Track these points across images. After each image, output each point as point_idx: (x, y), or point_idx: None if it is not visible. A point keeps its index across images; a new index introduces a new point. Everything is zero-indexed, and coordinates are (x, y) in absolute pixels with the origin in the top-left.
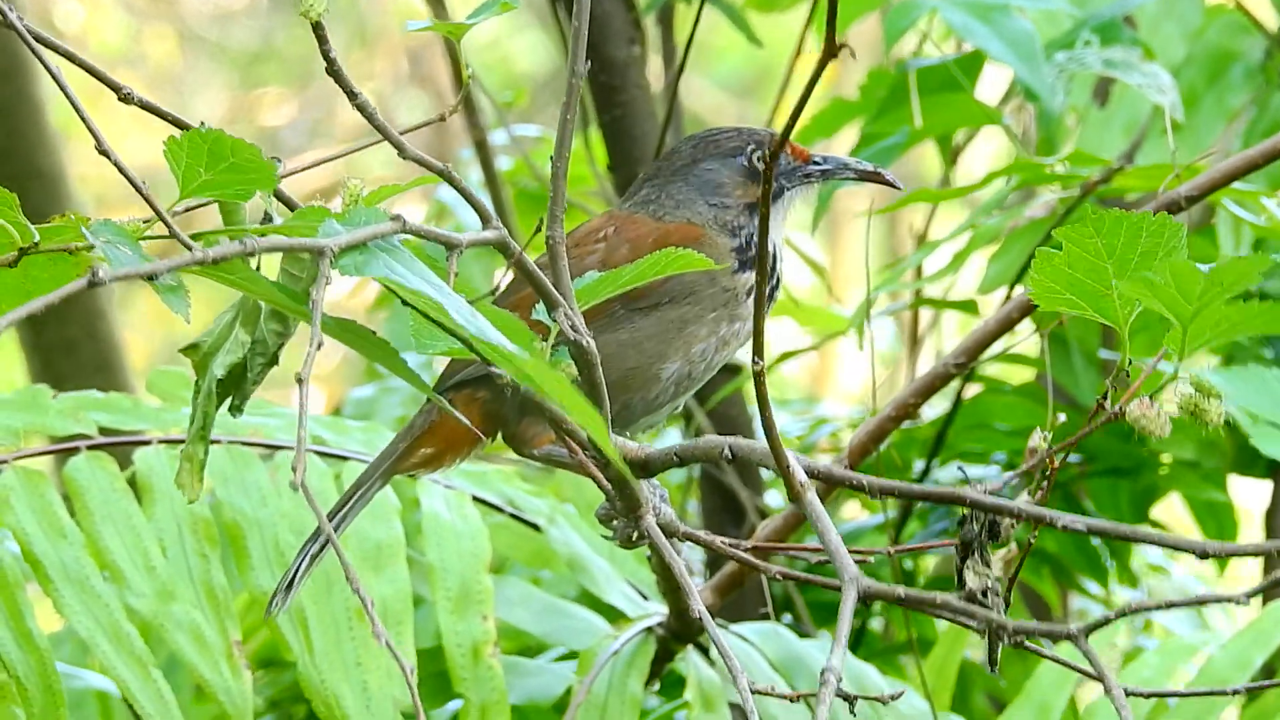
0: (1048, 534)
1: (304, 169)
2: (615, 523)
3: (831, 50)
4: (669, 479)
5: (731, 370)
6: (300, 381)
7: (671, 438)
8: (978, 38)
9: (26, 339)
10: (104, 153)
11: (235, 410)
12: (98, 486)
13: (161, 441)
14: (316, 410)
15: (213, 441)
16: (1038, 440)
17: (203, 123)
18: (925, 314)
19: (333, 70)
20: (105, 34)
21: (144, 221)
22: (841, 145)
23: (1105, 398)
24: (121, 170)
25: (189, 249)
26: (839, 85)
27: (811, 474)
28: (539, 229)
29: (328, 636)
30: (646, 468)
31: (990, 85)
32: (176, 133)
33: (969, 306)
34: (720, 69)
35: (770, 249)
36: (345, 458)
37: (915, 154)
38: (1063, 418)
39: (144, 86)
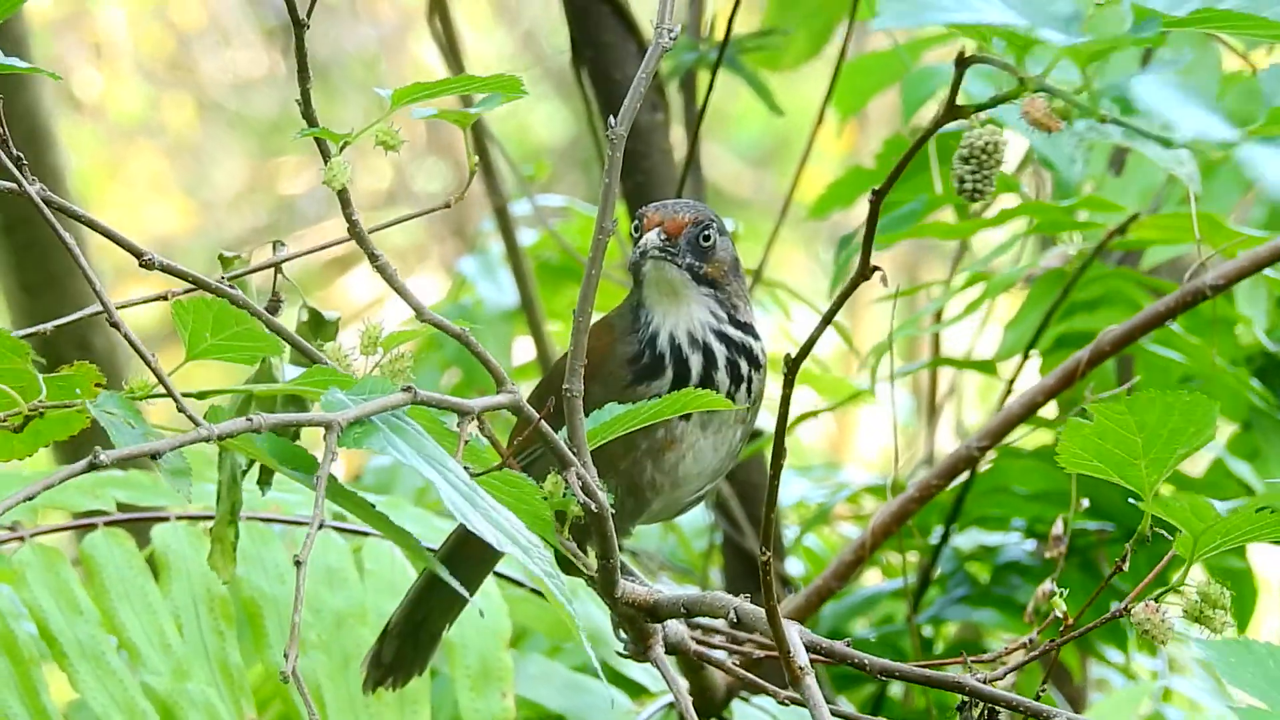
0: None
1: (320, 248)
2: (625, 639)
3: (865, 273)
4: (693, 545)
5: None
6: (298, 565)
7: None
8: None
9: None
10: (114, 325)
11: (263, 485)
12: (114, 563)
13: (180, 518)
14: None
15: None
16: (1059, 529)
17: (222, 276)
18: (943, 377)
19: (355, 233)
20: (124, 102)
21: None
22: (859, 213)
23: (1124, 560)
24: (130, 341)
25: (196, 424)
26: (856, 154)
27: (815, 651)
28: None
29: (344, 715)
30: (654, 613)
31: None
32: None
33: (988, 368)
34: (740, 137)
35: (673, 341)
36: (365, 533)
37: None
38: (1085, 503)
39: (163, 154)
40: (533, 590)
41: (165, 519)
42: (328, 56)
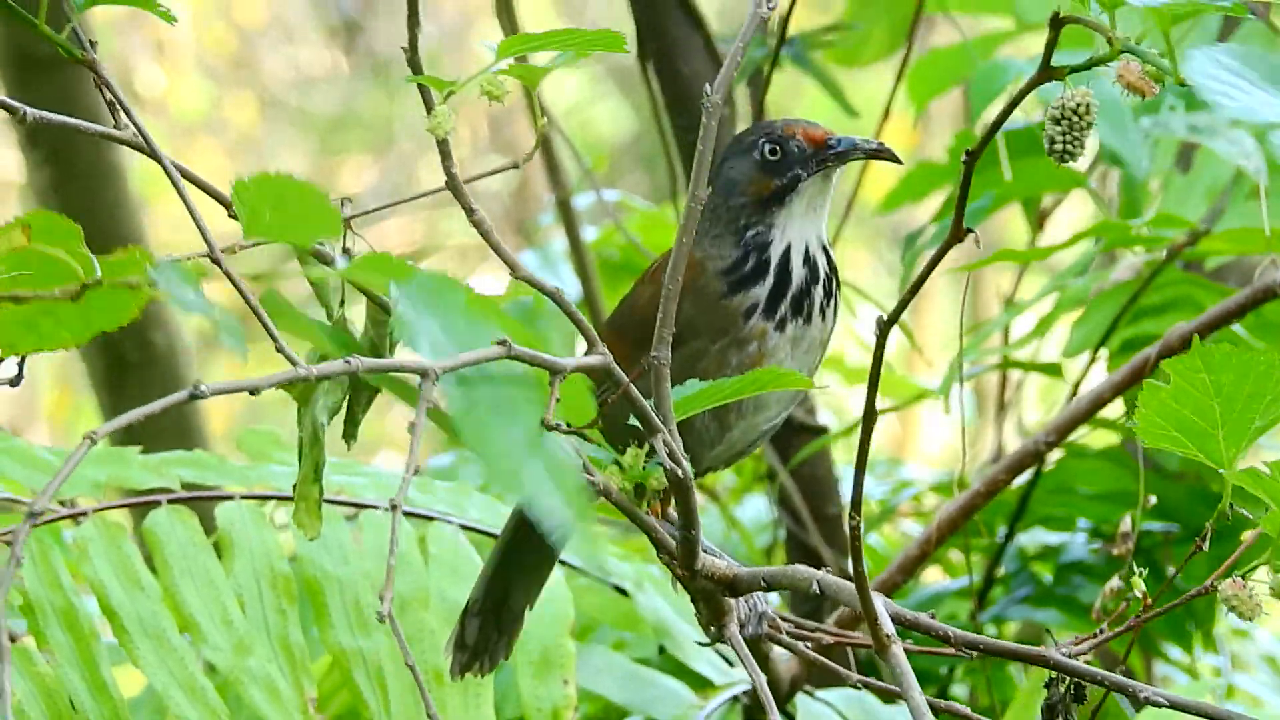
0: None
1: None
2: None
3: (959, 235)
4: (755, 541)
5: (814, 431)
6: (394, 508)
7: (756, 503)
8: None
9: (107, 403)
10: (216, 261)
11: (349, 437)
12: (177, 540)
13: (245, 498)
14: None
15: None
16: (1127, 526)
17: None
18: (1009, 378)
19: (452, 185)
20: (186, 100)
21: (208, 258)
22: (924, 211)
23: (1204, 537)
24: (212, 249)
25: (293, 363)
26: (924, 149)
27: (899, 622)
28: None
29: (405, 698)
30: (734, 587)
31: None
32: None
33: (1054, 370)
34: None
35: (788, 251)
36: (431, 518)
37: (1001, 218)
38: (1153, 499)
39: (225, 152)
40: (597, 580)
41: (229, 498)
42: (389, 53)
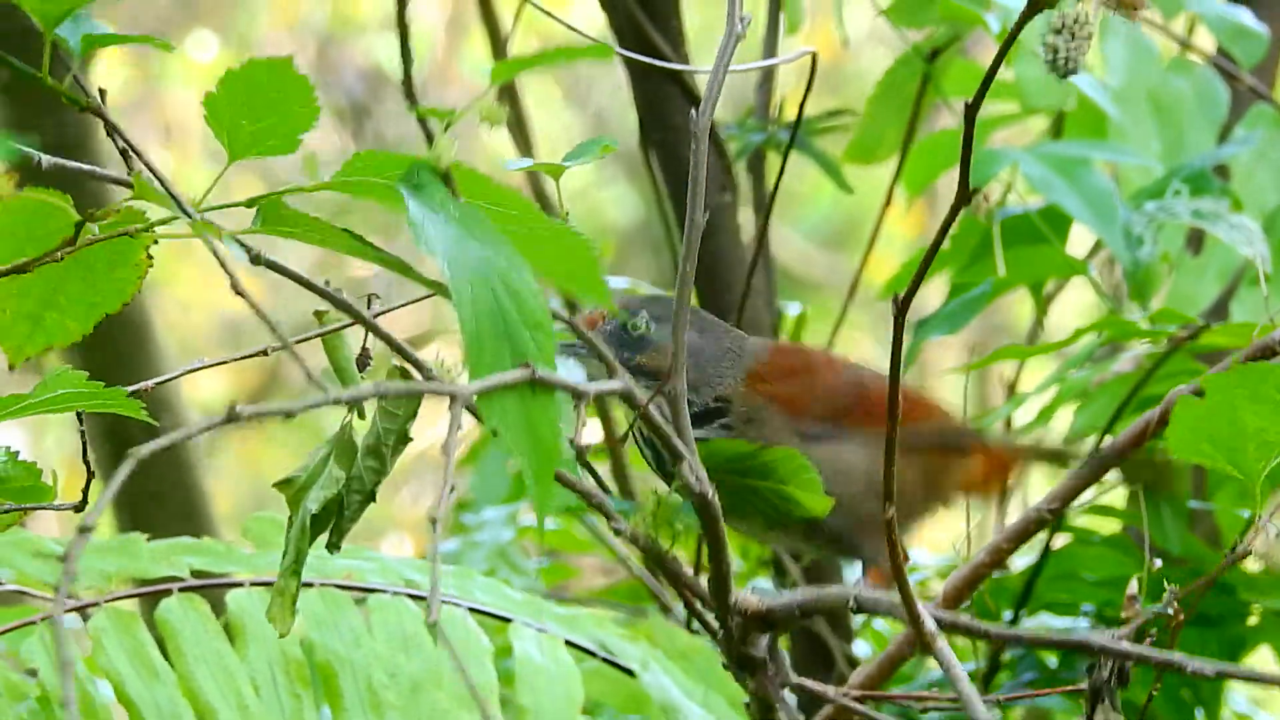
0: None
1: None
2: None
3: (966, 196)
4: None
5: None
6: (433, 522)
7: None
8: (1055, 193)
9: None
10: (239, 292)
11: (332, 547)
12: (190, 627)
13: (254, 584)
14: (406, 555)
15: (306, 584)
16: (1134, 589)
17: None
18: None
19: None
20: (193, 183)
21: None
22: (929, 298)
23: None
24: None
25: (323, 390)
26: (926, 235)
27: (939, 623)
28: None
29: None
30: (768, 621)
31: (1086, 233)
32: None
33: (1059, 459)
34: (809, 218)
35: None
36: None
37: (1006, 302)
38: (1159, 562)
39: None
40: (605, 661)
41: (239, 584)
42: (396, 136)
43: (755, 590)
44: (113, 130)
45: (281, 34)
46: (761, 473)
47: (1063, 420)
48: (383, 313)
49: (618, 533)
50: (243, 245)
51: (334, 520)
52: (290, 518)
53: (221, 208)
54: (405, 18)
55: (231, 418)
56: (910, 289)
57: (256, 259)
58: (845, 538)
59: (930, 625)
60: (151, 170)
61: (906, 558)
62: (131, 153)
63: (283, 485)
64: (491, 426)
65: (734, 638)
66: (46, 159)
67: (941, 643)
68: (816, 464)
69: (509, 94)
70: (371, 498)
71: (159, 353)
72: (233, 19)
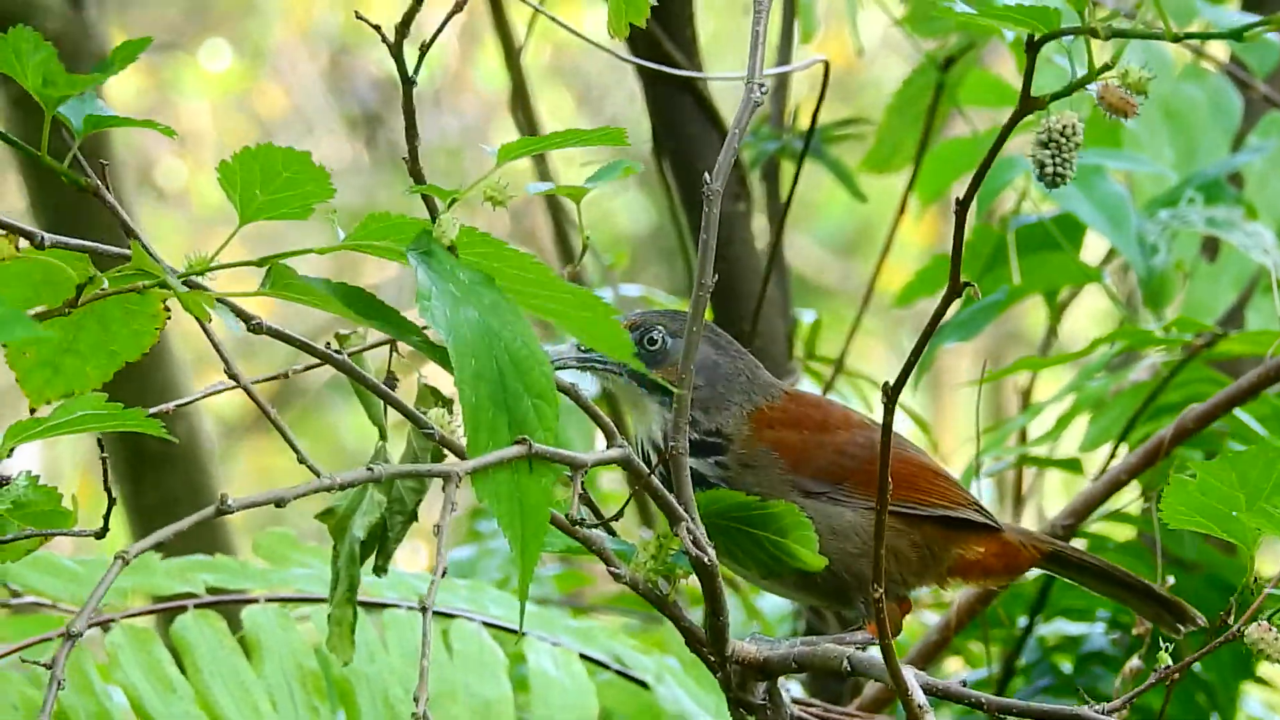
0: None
1: None
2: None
3: (957, 289)
4: (776, 632)
5: None
6: (424, 610)
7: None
8: (1069, 200)
9: (129, 495)
10: (233, 376)
11: (380, 570)
12: (206, 643)
13: (269, 600)
14: (418, 568)
15: (318, 600)
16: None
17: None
18: (1028, 472)
19: None
20: (207, 192)
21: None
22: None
23: (1229, 614)
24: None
25: (317, 475)
26: (940, 243)
27: (930, 692)
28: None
29: None
30: (764, 670)
31: (1100, 239)
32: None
33: (1073, 465)
34: (823, 225)
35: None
36: (453, 615)
37: (1020, 309)
38: (1171, 580)
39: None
40: (618, 673)
41: (254, 601)
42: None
43: (753, 639)
44: (112, 210)
45: (294, 42)
46: (761, 523)
47: (1077, 429)
48: (387, 343)
49: (617, 578)
50: (239, 314)
51: (379, 544)
52: (335, 547)
53: (228, 266)
54: (409, 83)
55: (222, 511)
56: (900, 377)
57: (256, 328)
58: (838, 594)
59: (919, 699)
60: (146, 248)
61: (898, 631)
62: (130, 215)
63: (324, 516)
64: (482, 502)
65: (732, 684)
66: (49, 237)
67: (929, 718)
68: (814, 520)
69: (523, 103)
70: (414, 517)
71: (173, 361)
72: (246, 28)
